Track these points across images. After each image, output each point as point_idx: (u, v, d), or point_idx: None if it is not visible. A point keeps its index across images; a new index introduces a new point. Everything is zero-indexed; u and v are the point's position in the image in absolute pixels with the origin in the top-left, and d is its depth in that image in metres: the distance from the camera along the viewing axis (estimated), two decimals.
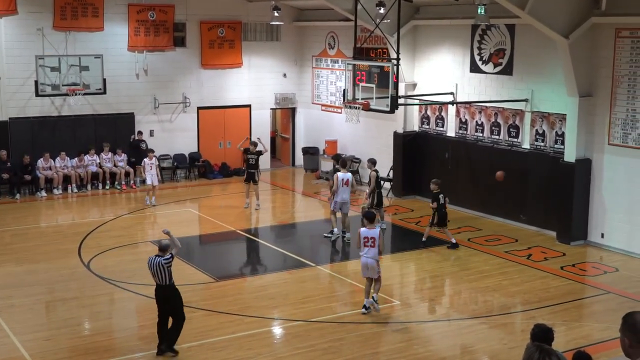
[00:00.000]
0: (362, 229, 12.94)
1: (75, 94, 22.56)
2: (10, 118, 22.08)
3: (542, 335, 7.50)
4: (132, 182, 23.27)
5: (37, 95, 22.44)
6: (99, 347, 11.65)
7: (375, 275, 12.88)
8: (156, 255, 11.20)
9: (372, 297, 12.95)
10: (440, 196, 16.96)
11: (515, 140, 19.00)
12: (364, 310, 12.92)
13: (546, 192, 17.85)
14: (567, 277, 15.10)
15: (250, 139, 22.33)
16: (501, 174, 17.63)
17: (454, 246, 16.90)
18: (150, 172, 20.77)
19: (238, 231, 18.10)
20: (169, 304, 11.22)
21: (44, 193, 21.87)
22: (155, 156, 21.47)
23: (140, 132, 23.67)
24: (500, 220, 19.26)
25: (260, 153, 20.27)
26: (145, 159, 20.99)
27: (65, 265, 15.68)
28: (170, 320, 11.31)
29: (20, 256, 16.45)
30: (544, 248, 16.99)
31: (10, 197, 21.60)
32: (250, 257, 17.14)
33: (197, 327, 12.42)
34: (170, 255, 11.10)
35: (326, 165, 24.71)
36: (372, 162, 18.47)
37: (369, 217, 13.06)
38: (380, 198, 18.44)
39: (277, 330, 12.57)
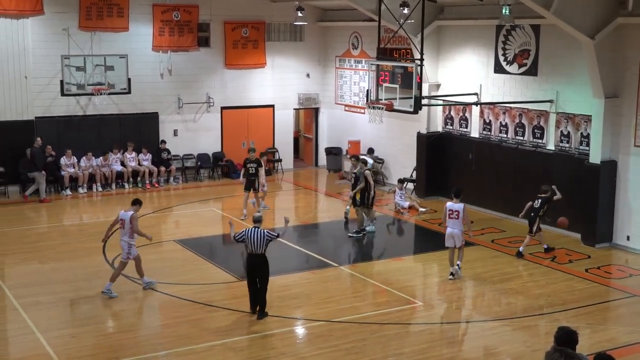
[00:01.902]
0: (449, 203, 14.82)
1: (100, 94, 22.74)
2: (36, 117, 22.29)
3: (566, 338, 7.45)
4: (154, 180, 23.39)
5: (62, 94, 22.64)
6: (123, 344, 11.73)
7: (459, 243, 14.75)
8: (254, 227, 12.65)
9: (457, 265, 14.81)
10: (537, 201, 16.56)
11: (540, 141, 18.87)
12: (450, 277, 14.75)
13: (571, 194, 17.70)
14: (592, 280, 14.98)
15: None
16: (564, 221, 16.27)
17: (548, 250, 16.67)
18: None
19: None
20: (259, 270, 12.64)
21: (69, 192, 22.06)
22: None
23: (163, 142, 23.88)
24: (524, 222, 19.09)
25: (259, 162, 19.76)
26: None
27: (90, 264, 15.81)
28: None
29: (45, 254, 16.61)
30: (568, 250, 16.86)
31: (36, 195, 21.79)
32: (273, 257, 17.11)
33: (219, 326, 12.48)
34: (277, 234, 12.86)
35: (349, 165, 24.65)
36: (364, 162, 18.66)
37: (456, 193, 14.81)
38: (372, 199, 18.25)
39: (300, 330, 12.58)
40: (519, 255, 16.42)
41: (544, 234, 16.82)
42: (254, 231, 12.60)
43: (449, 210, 14.74)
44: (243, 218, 19.20)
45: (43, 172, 21.41)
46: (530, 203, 16.70)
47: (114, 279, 13.95)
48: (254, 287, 12.85)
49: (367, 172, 18.25)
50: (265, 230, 12.66)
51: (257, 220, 12.88)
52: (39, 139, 21.56)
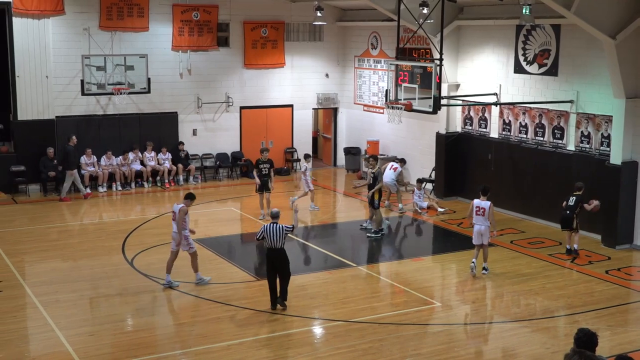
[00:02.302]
0: (475, 200, 15.12)
1: (120, 93, 22.88)
2: (56, 116, 22.45)
3: (586, 340, 7.38)
4: (171, 178, 23.47)
5: (82, 94, 22.79)
6: (141, 343, 11.78)
7: (485, 241, 15.04)
8: (272, 223, 13.07)
9: (483, 266, 15.17)
10: (572, 198, 16.38)
11: (560, 142, 18.76)
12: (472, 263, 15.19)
13: (591, 195, 17.56)
14: (612, 282, 14.87)
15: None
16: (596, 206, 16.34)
17: (570, 252, 16.46)
18: (305, 178, 20.63)
19: None
20: (280, 263, 13.04)
21: (89, 190, 22.19)
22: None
23: (181, 143, 23.98)
24: (544, 223, 19.04)
25: (272, 163, 19.71)
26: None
27: (109, 262, 15.91)
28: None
29: (65, 252, 16.73)
30: (588, 251, 16.74)
31: (56, 194, 21.97)
32: (291, 257, 17.12)
33: (237, 325, 12.51)
34: (292, 226, 13.25)
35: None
36: (374, 158, 18.92)
37: (483, 191, 15.11)
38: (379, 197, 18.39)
39: (317, 329, 12.58)
40: (574, 253, 16.33)
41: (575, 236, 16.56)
42: (272, 227, 13.01)
43: (476, 207, 15.05)
44: (262, 218, 19.22)
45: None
46: (565, 202, 16.51)
47: (196, 269, 14.40)
48: (274, 283, 13.13)
49: (369, 171, 18.49)
50: (282, 225, 13.07)
51: (275, 216, 13.28)
52: (74, 137, 21.79)
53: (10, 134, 22.59)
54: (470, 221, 15.45)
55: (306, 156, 21.15)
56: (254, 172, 19.71)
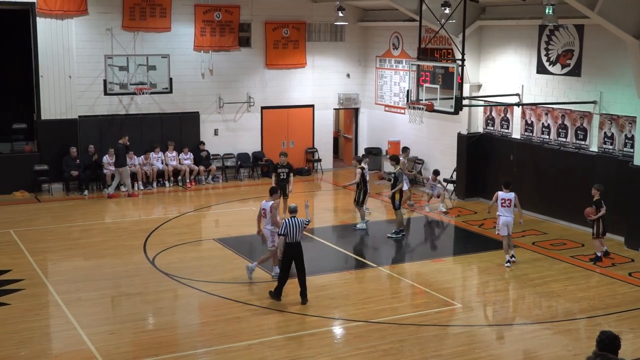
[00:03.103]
0: (500, 192, 15.55)
1: (143, 93, 23.01)
2: (79, 116, 22.62)
3: (608, 342, 7.32)
4: (192, 178, 23.55)
5: (105, 94, 22.95)
6: (162, 342, 11.83)
7: (511, 231, 15.62)
8: (291, 217, 13.43)
9: (512, 253, 15.74)
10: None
11: (583, 142, 18.62)
12: (507, 264, 15.62)
13: (614, 196, 17.42)
14: (635, 284, 14.72)
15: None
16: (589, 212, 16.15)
17: (598, 259, 16.09)
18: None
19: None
20: (299, 256, 13.43)
21: (111, 190, 22.33)
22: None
23: (202, 143, 24.09)
24: (566, 225, 18.91)
25: (290, 167, 19.04)
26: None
27: (131, 261, 16.00)
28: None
29: (87, 251, 16.84)
30: (611, 253, 16.59)
31: (79, 193, 22.14)
32: (311, 257, 17.15)
33: (257, 324, 12.53)
34: (308, 220, 13.69)
35: (389, 166, 24.57)
36: (358, 160, 19.36)
37: (505, 184, 15.66)
38: (364, 196, 18.59)
39: (338, 330, 12.57)
40: (606, 254, 16.15)
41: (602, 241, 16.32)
42: (293, 221, 13.38)
43: (502, 199, 15.50)
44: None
45: (127, 167, 22.12)
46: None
47: (262, 262, 14.88)
48: (287, 275, 13.53)
49: (358, 170, 18.67)
50: (301, 219, 13.49)
51: (294, 211, 13.66)
52: (126, 137, 22.05)
53: (34, 133, 22.80)
54: (492, 211, 16.15)
55: (362, 156, 20.71)
56: (272, 177, 19.28)
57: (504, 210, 15.49)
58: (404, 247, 17.69)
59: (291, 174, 18.98)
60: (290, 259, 13.47)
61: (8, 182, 21.82)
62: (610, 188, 17.59)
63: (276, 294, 13.53)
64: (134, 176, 22.82)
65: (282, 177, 18.77)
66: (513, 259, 15.82)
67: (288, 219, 13.42)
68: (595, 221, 15.89)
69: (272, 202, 14.58)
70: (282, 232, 13.41)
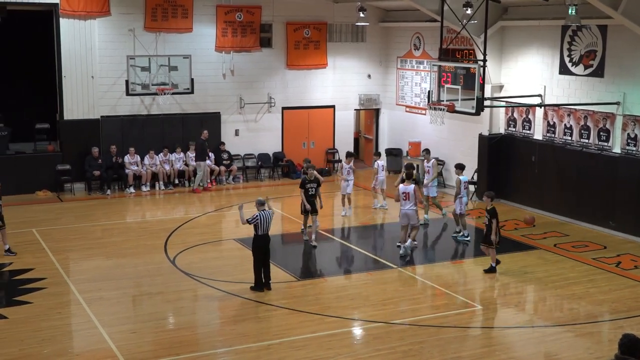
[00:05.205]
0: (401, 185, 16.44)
1: (164, 94, 23.13)
2: (102, 116, 22.78)
3: (630, 346, 7.26)
4: (213, 178, 23.61)
5: (127, 94, 23.08)
6: (182, 341, 11.88)
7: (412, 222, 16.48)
8: (263, 210, 14.06)
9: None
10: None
11: (606, 144, 18.47)
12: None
13: (637, 198, 17.26)
14: None
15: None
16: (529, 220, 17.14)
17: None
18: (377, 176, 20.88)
19: (320, 231, 18.14)
20: (268, 248, 14.21)
21: (132, 190, 22.48)
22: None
23: (222, 143, 24.16)
24: (588, 226, 18.76)
25: (318, 181, 17.76)
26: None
27: (152, 261, 16.08)
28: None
29: (109, 250, 16.95)
30: (634, 256, 16.45)
31: (101, 193, 22.30)
32: (331, 258, 17.17)
33: (277, 325, 12.56)
34: (272, 210, 14.39)
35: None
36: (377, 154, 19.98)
37: (407, 175, 16.56)
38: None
39: (357, 331, 12.57)
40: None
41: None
42: (265, 214, 14.09)
43: (403, 192, 16.39)
44: (305, 239, 17.69)
45: (208, 161, 23.11)
46: None
47: (414, 237, 16.56)
48: (262, 265, 14.16)
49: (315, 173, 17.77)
50: (269, 211, 14.23)
51: (263, 203, 14.24)
52: (205, 132, 22.98)
53: (57, 133, 22.99)
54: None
55: (377, 154, 21.32)
56: (301, 193, 17.52)
57: (404, 202, 16.29)
58: (423, 249, 17.63)
59: (319, 188, 17.72)
60: (264, 251, 14.13)
61: (31, 182, 22.01)
62: (632, 189, 17.46)
63: (257, 287, 14.07)
64: (155, 176, 22.93)
65: (310, 193, 17.39)
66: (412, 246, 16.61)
67: (261, 212, 13.99)
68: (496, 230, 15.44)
69: (413, 185, 16.21)
70: (252, 221, 13.96)
